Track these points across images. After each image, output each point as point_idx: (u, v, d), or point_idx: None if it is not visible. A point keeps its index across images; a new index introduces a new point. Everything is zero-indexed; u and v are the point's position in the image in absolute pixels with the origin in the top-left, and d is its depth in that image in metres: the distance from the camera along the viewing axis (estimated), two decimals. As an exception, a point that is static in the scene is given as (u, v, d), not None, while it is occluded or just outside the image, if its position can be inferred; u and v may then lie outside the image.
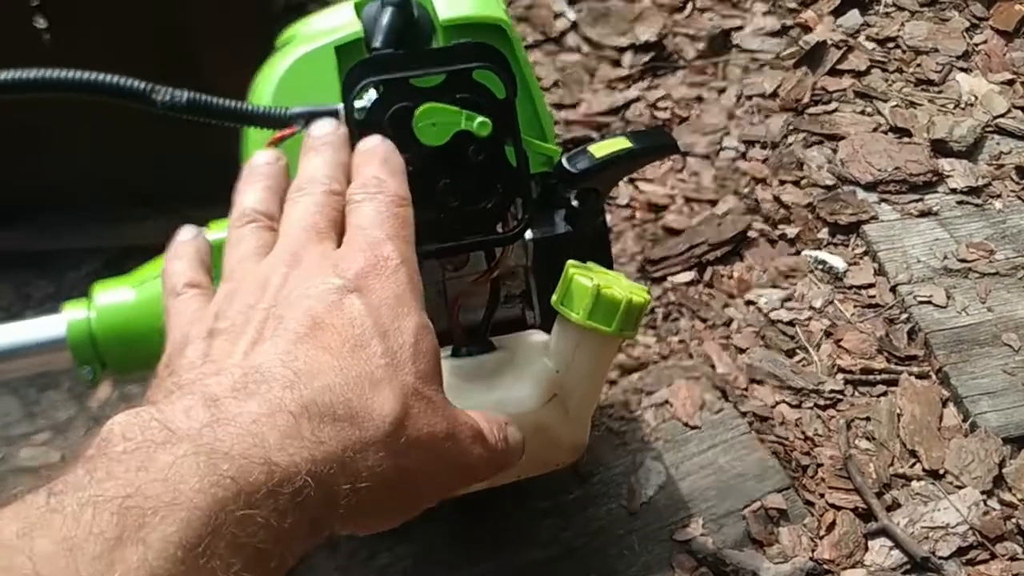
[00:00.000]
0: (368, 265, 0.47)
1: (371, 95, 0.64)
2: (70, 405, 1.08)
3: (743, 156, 1.31)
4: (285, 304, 0.45)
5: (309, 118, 0.66)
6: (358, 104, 0.64)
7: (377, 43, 0.69)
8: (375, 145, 0.56)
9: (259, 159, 0.58)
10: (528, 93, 0.73)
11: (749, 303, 1.12)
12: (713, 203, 1.24)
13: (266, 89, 0.71)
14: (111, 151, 1.18)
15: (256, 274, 0.49)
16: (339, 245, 0.50)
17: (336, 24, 0.73)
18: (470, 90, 0.63)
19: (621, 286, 0.66)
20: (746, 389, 1.02)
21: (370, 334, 0.44)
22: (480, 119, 0.63)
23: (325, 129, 0.58)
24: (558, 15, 1.54)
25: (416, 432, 0.43)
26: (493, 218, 0.66)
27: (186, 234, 0.61)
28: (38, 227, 1.28)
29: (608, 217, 1.24)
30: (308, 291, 0.46)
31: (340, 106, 0.64)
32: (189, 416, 0.37)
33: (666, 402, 0.98)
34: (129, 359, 0.76)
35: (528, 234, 0.74)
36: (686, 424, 0.96)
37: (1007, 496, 0.91)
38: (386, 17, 0.70)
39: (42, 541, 0.31)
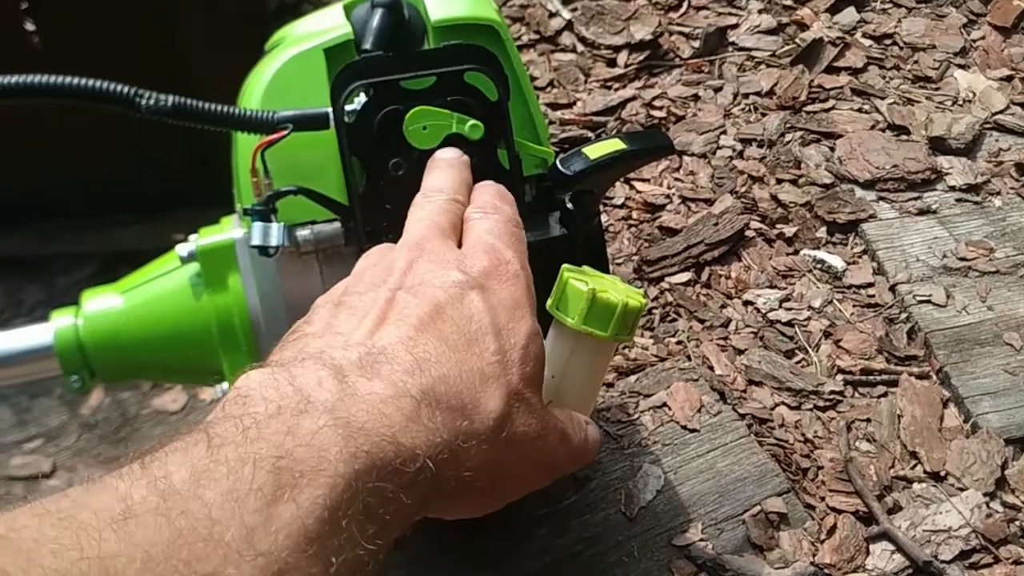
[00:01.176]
0: (491, 266, 0.51)
1: (361, 98, 0.63)
2: (62, 412, 1.07)
3: (740, 155, 1.30)
4: (410, 289, 0.49)
5: (298, 122, 0.65)
6: (348, 107, 0.63)
7: (367, 45, 0.68)
8: (491, 183, 0.61)
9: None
10: (521, 94, 0.72)
11: (747, 303, 1.11)
12: (710, 202, 1.23)
13: (255, 92, 0.70)
14: (102, 157, 1.17)
15: (384, 258, 0.52)
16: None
17: (325, 26, 0.72)
18: (461, 92, 0.63)
19: (617, 290, 0.65)
20: (745, 391, 1.01)
21: (486, 331, 0.47)
22: (471, 122, 0.62)
23: (450, 153, 0.61)
24: (553, 14, 1.53)
25: (514, 430, 0.47)
26: (486, 222, 0.65)
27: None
28: (30, 233, 1.28)
29: (604, 217, 1.23)
30: (433, 280, 0.49)
31: (329, 110, 0.64)
32: (322, 386, 0.41)
33: (664, 405, 0.97)
34: (118, 367, 0.76)
35: (523, 237, 0.73)
36: (684, 427, 0.95)
37: (1010, 498, 0.90)
38: (376, 19, 0.69)
39: (211, 491, 0.35)
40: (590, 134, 1.35)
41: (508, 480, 0.49)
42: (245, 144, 0.67)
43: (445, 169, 0.60)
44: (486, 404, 0.45)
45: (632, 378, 1.01)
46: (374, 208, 0.63)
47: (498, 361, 0.47)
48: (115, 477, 0.36)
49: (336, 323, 0.47)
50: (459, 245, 0.55)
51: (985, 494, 0.89)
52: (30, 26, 1.00)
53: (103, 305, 0.75)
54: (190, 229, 0.76)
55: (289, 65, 0.70)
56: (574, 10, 1.52)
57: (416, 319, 0.46)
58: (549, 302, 0.66)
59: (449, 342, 0.46)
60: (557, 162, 0.72)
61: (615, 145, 0.73)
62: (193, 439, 0.37)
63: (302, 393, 0.40)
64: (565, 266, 0.66)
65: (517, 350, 0.48)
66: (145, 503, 0.34)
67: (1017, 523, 0.87)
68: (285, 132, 0.64)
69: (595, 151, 0.72)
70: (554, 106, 1.39)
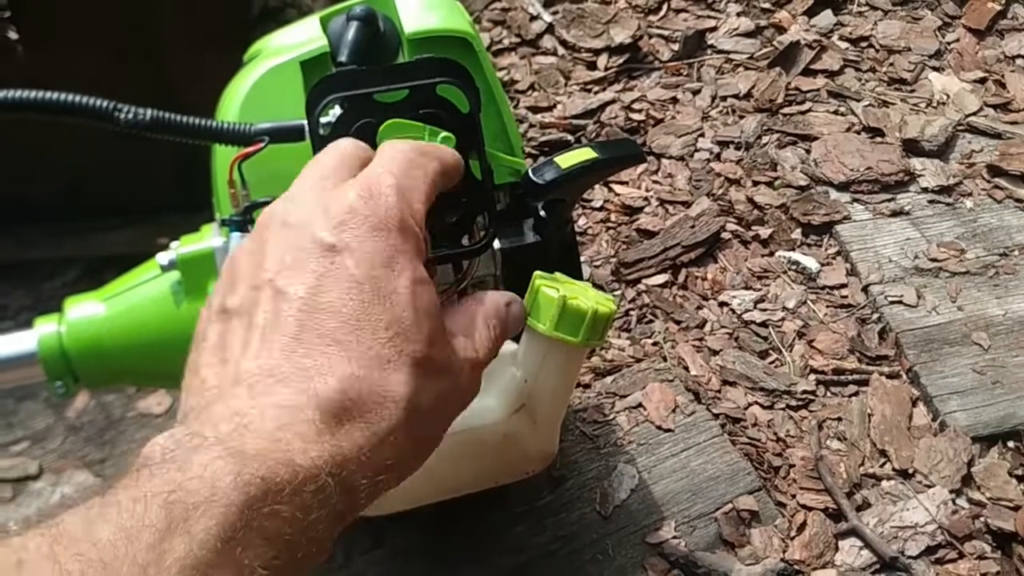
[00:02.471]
0: (355, 206, 0.45)
1: (336, 111, 0.64)
2: (48, 415, 1.08)
3: (717, 157, 1.32)
4: (276, 280, 0.45)
5: (274, 134, 0.66)
6: (323, 120, 0.64)
7: (343, 57, 0.69)
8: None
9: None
10: (494, 105, 0.74)
11: (723, 304, 1.13)
12: (687, 205, 1.25)
13: (233, 104, 0.71)
14: (87, 162, 1.18)
15: (259, 224, 0.48)
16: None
17: (302, 39, 0.74)
18: (433, 105, 0.64)
19: (587, 296, 0.67)
20: (719, 391, 1.03)
21: (369, 302, 0.44)
22: (443, 134, 0.63)
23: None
24: (534, 17, 1.54)
25: (427, 399, 0.44)
26: (459, 231, 0.67)
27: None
28: (14, 238, 1.29)
29: (583, 220, 1.25)
30: (294, 263, 0.45)
31: (305, 122, 0.65)
32: (217, 428, 0.40)
33: (639, 405, 0.99)
34: (101, 373, 0.77)
35: (497, 244, 0.75)
36: (659, 427, 0.97)
37: (975, 495, 0.92)
38: (351, 32, 0.70)
39: (102, 531, 0.35)
40: (570, 137, 1.37)
41: (428, 438, 0.47)
42: (223, 156, 0.69)
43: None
44: (392, 392, 0.43)
45: (608, 379, 1.03)
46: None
47: (394, 335, 0.43)
48: (15, 534, 0.36)
49: (227, 344, 0.45)
50: None
51: (951, 491, 0.92)
52: (13, 35, 1.01)
53: (86, 312, 0.76)
54: (175, 234, 0.78)
55: (266, 78, 0.71)
56: (555, 13, 1.54)
57: (293, 322, 0.43)
58: (521, 308, 0.67)
59: (335, 337, 0.43)
60: (529, 171, 0.74)
61: (586, 154, 0.75)
62: (91, 500, 0.37)
63: (197, 435, 0.40)
64: (537, 273, 0.68)
65: (408, 309, 0.44)
66: (38, 551, 0.35)
67: (982, 519, 0.90)
68: (261, 144, 0.65)
69: (567, 160, 0.74)
70: (534, 109, 1.41)
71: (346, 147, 0.53)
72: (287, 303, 0.44)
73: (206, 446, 0.39)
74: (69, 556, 0.34)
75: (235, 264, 0.49)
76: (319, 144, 0.64)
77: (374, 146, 0.63)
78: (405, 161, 0.49)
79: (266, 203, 0.67)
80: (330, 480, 0.40)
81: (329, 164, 0.50)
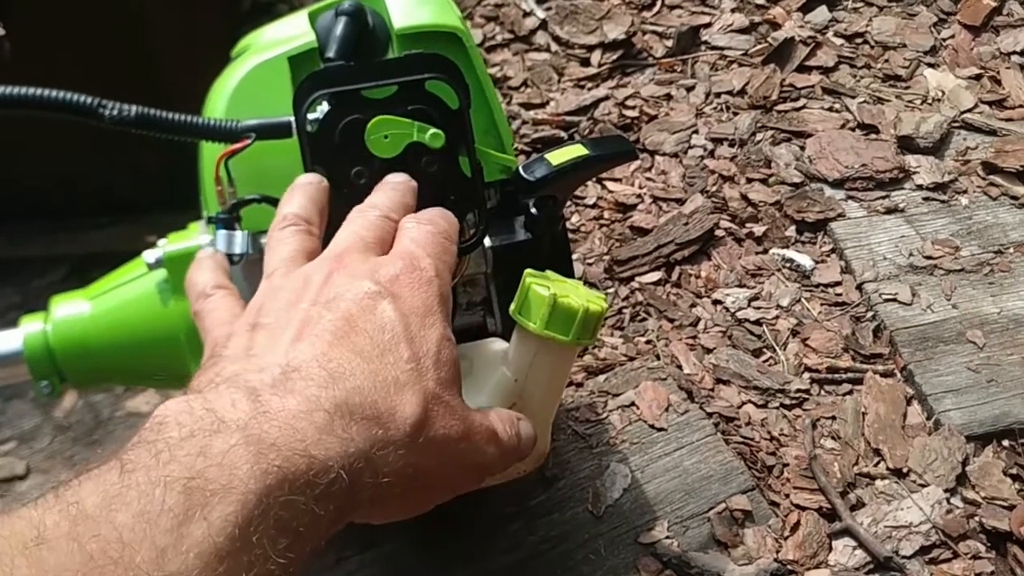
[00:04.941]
0: (403, 272, 0.51)
1: (323, 107, 0.63)
2: (35, 414, 1.08)
3: (711, 154, 1.31)
4: (324, 304, 0.49)
5: (261, 131, 0.65)
6: (311, 116, 0.64)
7: (331, 53, 0.69)
8: (437, 209, 0.60)
9: (301, 179, 0.61)
10: (484, 102, 0.73)
11: (716, 302, 1.13)
12: (681, 202, 1.25)
13: (220, 100, 0.70)
14: (75, 161, 1.17)
15: (299, 273, 0.53)
16: None
17: (290, 34, 0.73)
18: (422, 101, 0.63)
19: (578, 295, 0.66)
20: (712, 389, 1.02)
21: (399, 339, 0.48)
22: (432, 131, 0.63)
23: (398, 177, 0.61)
24: (527, 13, 1.54)
25: (434, 433, 0.48)
26: (448, 229, 0.66)
27: (206, 250, 0.66)
28: (3, 236, 1.28)
29: (575, 217, 1.24)
30: (346, 293, 0.50)
31: (292, 119, 0.64)
32: (235, 407, 0.42)
33: (632, 404, 0.98)
34: (87, 372, 0.76)
35: (487, 241, 0.74)
36: (652, 426, 0.96)
37: (970, 494, 0.91)
38: (340, 27, 0.70)
39: (122, 514, 0.36)
40: (563, 134, 1.36)
41: (431, 482, 0.50)
42: (210, 153, 0.68)
43: (387, 190, 0.60)
44: (402, 410, 0.46)
45: (601, 377, 1.02)
46: (337, 216, 0.64)
47: (413, 368, 0.47)
48: (30, 507, 0.37)
49: (254, 346, 0.48)
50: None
51: (946, 490, 0.91)
52: (0, 30, 1.00)
53: (72, 311, 0.76)
54: (164, 231, 0.77)
55: (254, 73, 0.71)
56: (548, 9, 1.53)
57: (330, 335, 0.47)
58: (512, 307, 0.67)
59: (363, 353, 0.46)
60: (520, 168, 0.73)
61: (577, 151, 0.74)
62: (107, 467, 0.38)
63: (215, 415, 0.41)
64: (528, 271, 0.67)
65: (431, 355, 0.49)
66: (57, 529, 0.35)
67: (976, 519, 0.89)
68: (248, 141, 0.65)
69: (557, 157, 0.73)
70: (527, 106, 1.40)
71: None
72: (328, 315, 0.48)
73: (226, 431, 0.40)
74: (88, 536, 0.35)
75: (272, 296, 0.52)
76: (306, 141, 0.63)
77: (362, 144, 0.63)
78: (437, 244, 0.55)
79: (253, 200, 0.67)
80: (342, 473, 0.42)
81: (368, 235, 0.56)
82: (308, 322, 0.48)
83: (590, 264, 1.18)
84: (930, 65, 1.46)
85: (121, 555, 0.35)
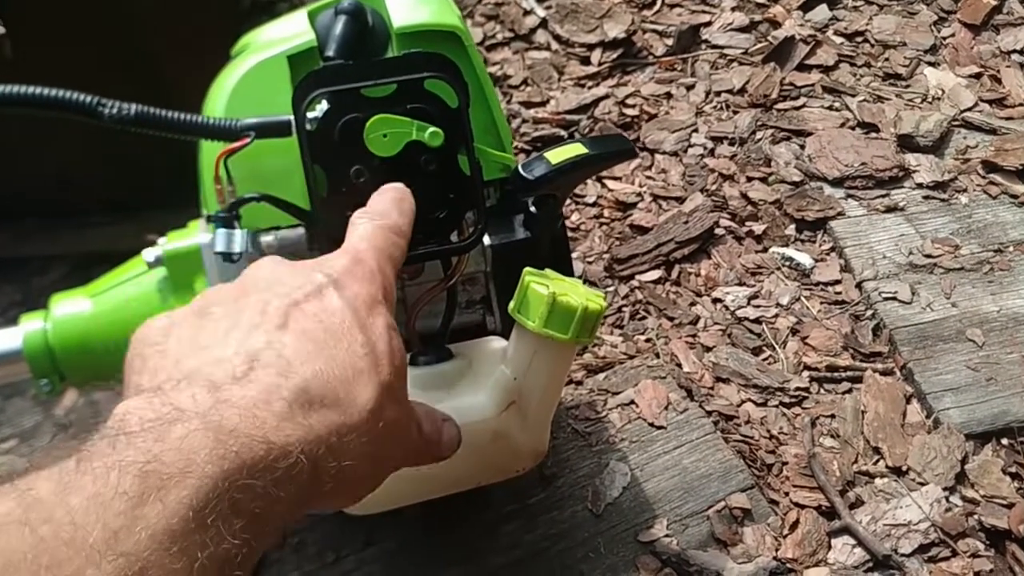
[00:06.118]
0: (347, 266, 0.52)
1: (323, 106, 0.63)
2: (36, 413, 1.08)
3: (711, 153, 1.31)
4: (272, 293, 0.49)
5: (260, 130, 0.66)
6: (310, 115, 0.64)
7: (330, 52, 0.69)
8: (393, 186, 0.60)
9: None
10: (484, 100, 0.73)
11: (716, 301, 1.13)
12: (681, 200, 1.25)
13: (219, 99, 0.70)
14: (76, 158, 1.17)
15: (250, 274, 0.53)
16: None
17: (289, 33, 0.73)
18: (421, 100, 0.63)
19: (577, 293, 0.66)
20: (712, 388, 1.02)
21: (350, 325, 0.48)
22: (431, 129, 0.63)
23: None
24: (528, 12, 1.54)
25: (387, 419, 0.48)
26: (447, 227, 0.66)
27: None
28: (5, 234, 1.28)
29: (575, 216, 1.24)
30: (291, 282, 0.50)
31: (291, 117, 0.64)
32: (196, 400, 0.42)
33: (632, 402, 0.98)
34: (87, 370, 0.76)
35: (487, 240, 0.74)
36: (651, 424, 0.96)
37: (969, 492, 0.91)
38: (339, 26, 0.70)
39: (75, 498, 0.36)
40: (563, 133, 1.36)
41: (381, 464, 0.51)
42: (209, 151, 0.68)
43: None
44: (360, 397, 0.46)
45: (601, 376, 1.02)
46: (337, 214, 0.64)
47: (367, 354, 0.48)
48: None
49: (201, 338, 0.48)
50: None
51: (945, 488, 0.91)
52: (0, 28, 1.00)
53: (72, 309, 0.76)
54: (165, 230, 0.77)
55: (253, 72, 0.71)
56: (548, 8, 1.53)
57: (278, 318, 0.47)
58: (511, 305, 0.67)
59: (314, 337, 0.47)
60: (519, 167, 0.73)
61: (577, 149, 0.74)
62: (64, 456, 0.38)
63: (175, 407, 0.41)
64: (527, 269, 0.67)
65: (383, 342, 0.49)
66: (10, 515, 0.35)
67: (975, 517, 0.89)
68: (247, 140, 0.65)
69: (557, 156, 0.73)
70: (528, 104, 1.40)
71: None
72: (275, 302, 0.49)
73: (185, 419, 0.40)
74: (40, 520, 0.35)
75: (216, 292, 0.52)
76: (305, 140, 0.63)
77: (361, 142, 0.63)
78: (383, 238, 0.55)
79: (253, 199, 0.67)
80: (303, 458, 0.42)
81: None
82: (252, 310, 0.48)
83: (590, 262, 1.18)
84: (930, 64, 1.46)
85: (73, 536, 0.35)
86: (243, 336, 0.47)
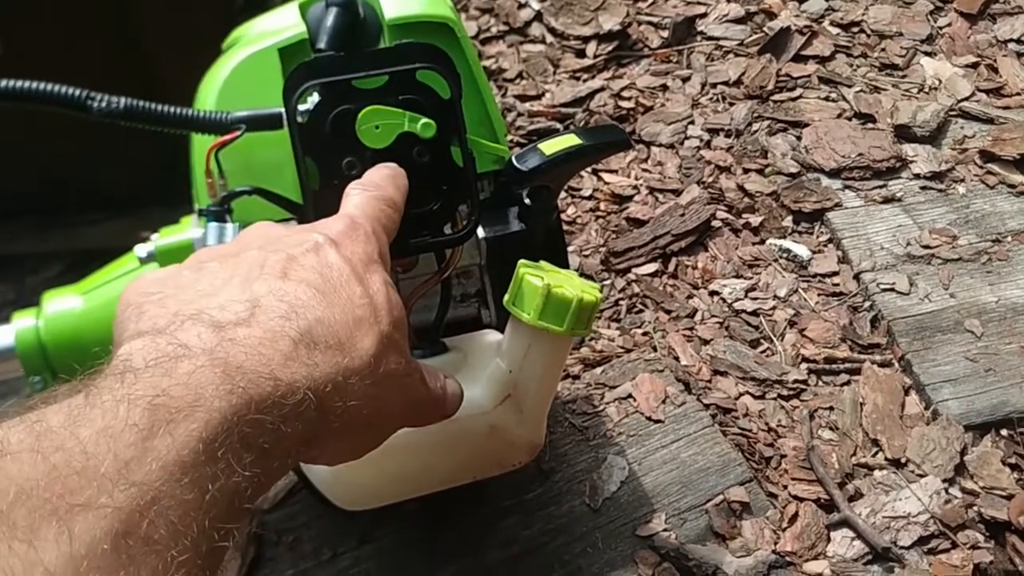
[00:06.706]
0: (343, 229, 0.53)
1: (314, 98, 0.63)
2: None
3: (707, 145, 1.31)
4: (270, 250, 0.51)
5: (251, 122, 0.65)
6: (301, 107, 0.63)
7: (321, 44, 0.68)
8: (388, 164, 0.61)
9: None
10: (477, 92, 0.72)
11: (713, 293, 1.12)
12: (677, 193, 1.24)
13: (210, 92, 0.70)
14: (69, 156, 1.16)
15: (244, 235, 0.55)
16: None
17: (281, 25, 0.72)
18: (413, 91, 0.63)
19: (572, 285, 0.66)
20: (710, 381, 1.01)
21: (348, 278, 0.49)
22: (424, 120, 0.62)
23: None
24: (522, 5, 1.53)
25: (387, 368, 0.49)
26: (440, 220, 0.66)
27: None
28: (-2, 232, 1.28)
29: (571, 209, 1.23)
30: (288, 240, 0.52)
31: (282, 110, 0.64)
32: (201, 338, 0.43)
33: (629, 396, 0.98)
34: (80, 368, 0.76)
35: (481, 232, 0.74)
36: (649, 418, 0.96)
37: (969, 484, 0.91)
38: (331, 18, 0.69)
39: (86, 430, 0.37)
40: (559, 125, 1.35)
41: (385, 414, 0.52)
42: (201, 145, 0.67)
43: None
44: (361, 343, 0.47)
45: (598, 370, 1.02)
46: (329, 207, 0.63)
47: (367, 304, 0.49)
48: None
49: (201, 286, 0.48)
50: None
51: (944, 480, 0.91)
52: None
53: (64, 306, 0.75)
54: (158, 227, 0.77)
55: (244, 65, 0.70)
56: (543, 1, 1.53)
57: (278, 270, 0.48)
58: (506, 298, 0.66)
59: (316, 287, 0.48)
60: (513, 158, 0.73)
61: (571, 140, 0.74)
62: (73, 391, 0.39)
63: (181, 344, 0.42)
64: (522, 261, 0.67)
65: (381, 295, 0.50)
66: (21, 444, 0.36)
67: (975, 509, 0.89)
68: (238, 133, 0.64)
69: (550, 147, 0.73)
70: (523, 98, 1.39)
71: None
72: (273, 256, 0.49)
73: (191, 355, 0.41)
74: (52, 449, 0.36)
75: (210, 251, 0.53)
76: (297, 132, 0.63)
77: (353, 134, 0.62)
78: (376, 208, 0.56)
79: (244, 192, 0.66)
80: (310, 395, 0.44)
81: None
82: (252, 264, 0.49)
83: (586, 256, 1.17)
84: (927, 54, 1.45)
85: (85, 466, 0.36)
86: (244, 283, 0.48)
